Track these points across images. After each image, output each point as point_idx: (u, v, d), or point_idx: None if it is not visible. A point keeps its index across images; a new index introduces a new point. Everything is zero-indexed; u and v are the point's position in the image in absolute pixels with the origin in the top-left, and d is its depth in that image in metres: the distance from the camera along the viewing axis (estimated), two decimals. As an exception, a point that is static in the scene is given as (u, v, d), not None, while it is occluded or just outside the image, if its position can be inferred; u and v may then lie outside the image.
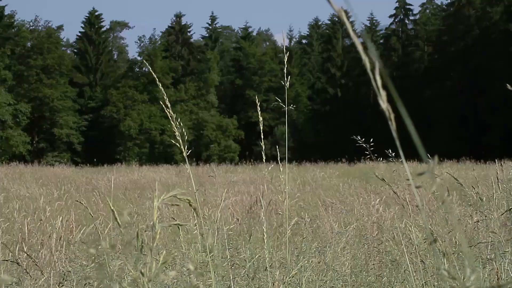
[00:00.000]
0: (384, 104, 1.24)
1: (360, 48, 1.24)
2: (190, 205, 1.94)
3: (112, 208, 1.97)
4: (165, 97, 3.57)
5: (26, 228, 8.05)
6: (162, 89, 3.55)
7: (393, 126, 1.24)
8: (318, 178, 24.77)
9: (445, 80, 60.78)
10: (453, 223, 5.66)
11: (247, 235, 7.26)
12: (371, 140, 5.10)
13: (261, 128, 4.24)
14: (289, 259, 4.48)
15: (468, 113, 58.29)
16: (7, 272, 5.29)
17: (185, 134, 3.56)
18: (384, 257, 6.46)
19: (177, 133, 3.51)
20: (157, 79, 3.65)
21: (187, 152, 3.55)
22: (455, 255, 5.09)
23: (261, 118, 4.18)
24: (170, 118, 3.52)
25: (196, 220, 5.28)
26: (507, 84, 4.45)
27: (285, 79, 4.07)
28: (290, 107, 4.31)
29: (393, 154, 5.06)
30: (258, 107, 4.12)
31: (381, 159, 5.21)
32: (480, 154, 42.23)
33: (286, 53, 4.07)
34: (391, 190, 4.51)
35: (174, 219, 7.34)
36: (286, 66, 4.05)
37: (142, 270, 1.63)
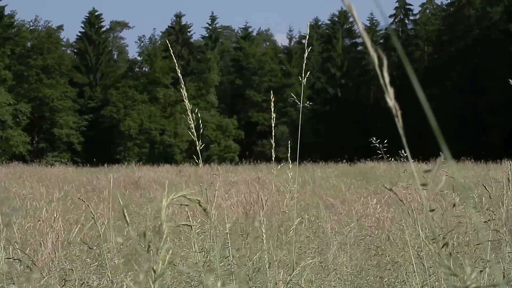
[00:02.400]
0: (391, 101, 1.24)
1: (368, 43, 1.24)
2: (200, 205, 1.94)
3: (122, 205, 1.97)
4: (182, 86, 3.56)
5: (25, 228, 8.05)
6: (181, 77, 3.55)
7: (399, 123, 1.24)
8: (318, 178, 24.77)
9: (445, 80, 60.78)
10: (452, 224, 5.67)
11: (246, 235, 7.26)
12: (386, 143, 5.07)
13: (273, 125, 4.22)
14: (294, 258, 4.49)
15: (468, 113, 58.30)
16: (7, 272, 5.29)
17: (201, 127, 3.56)
18: (384, 258, 6.46)
19: (192, 126, 3.51)
20: (176, 64, 3.65)
21: (200, 146, 3.55)
22: (453, 255, 5.09)
23: (274, 115, 4.16)
24: (187, 109, 3.52)
25: (193, 220, 5.29)
26: (510, 80, 4.44)
27: (303, 75, 4.05)
28: (307, 104, 4.30)
29: (390, 154, 5.05)
30: (272, 103, 4.10)
31: (382, 156, 5.20)
32: (480, 154, 42.22)
33: (307, 46, 4.06)
34: (392, 191, 4.51)
35: (173, 220, 7.34)
36: (306, 54, 4.01)
37: (154, 267, 1.63)
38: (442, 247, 3.78)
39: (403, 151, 4.65)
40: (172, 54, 3.87)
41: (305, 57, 4.06)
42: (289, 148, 4.42)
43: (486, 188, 5.09)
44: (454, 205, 4.41)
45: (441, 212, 6.55)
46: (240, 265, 5.29)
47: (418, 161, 33.05)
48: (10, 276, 5.20)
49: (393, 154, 5.19)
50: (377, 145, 4.90)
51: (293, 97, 4.36)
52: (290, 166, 4.20)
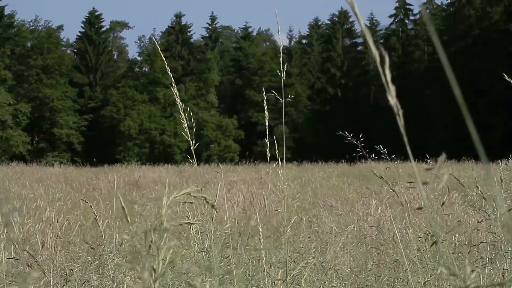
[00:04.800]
0: (393, 99, 1.24)
1: (370, 40, 1.24)
2: (207, 202, 1.94)
3: (122, 205, 1.97)
4: (175, 91, 3.57)
5: (26, 228, 8.05)
6: (173, 81, 3.57)
7: (401, 122, 1.24)
8: (318, 178, 24.77)
9: (445, 80, 60.75)
10: (453, 223, 5.67)
11: (245, 235, 7.27)
12: (362, 138, 5.07)
13: (267, 124, 4.23)
14: (288, 257, 4.49)
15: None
16: (9, 271, 5.29)
17: (193, 125, 3.56)
18: (384, 257, 6.47)
19: (185, 125, 3.51)
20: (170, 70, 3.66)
21: (194, 146, 3.55)
22: (455, 255, 5.10)
23: (267, 114, 4.17)
24: (179, 109, 3.52)
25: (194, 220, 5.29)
26: (504, 74, 4.44)
27: (281, 69, 4.06)
28: (288, 98, 4.30)
29: (386, 152, 5.04)
30: (264, 101, 4.12)
31: (382, 154, 5.20)
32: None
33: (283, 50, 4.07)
34: (391, 191, 4.52)
35: (174, 220, 7.33)
36: (282, 53, 4.04)
37: (155, 266, 1.64)
38: (431, 245, 3.78)
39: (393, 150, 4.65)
40: (166, 62, 3.88)
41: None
42: (284, 147, 4.41)
43: (479, 187, 5.09)
44: (443, 204, 4.42)
45: (437, 210, 6.55)
46: (239, 265, 5.30)
47: (418, 161, 33.08)
48: (12, 276, 5.21)
49: (392, 154, 5.19)
50: (355, 142, 4.88)
51: (273, 93, 4.36)
52: (280, 164, 4.18)
